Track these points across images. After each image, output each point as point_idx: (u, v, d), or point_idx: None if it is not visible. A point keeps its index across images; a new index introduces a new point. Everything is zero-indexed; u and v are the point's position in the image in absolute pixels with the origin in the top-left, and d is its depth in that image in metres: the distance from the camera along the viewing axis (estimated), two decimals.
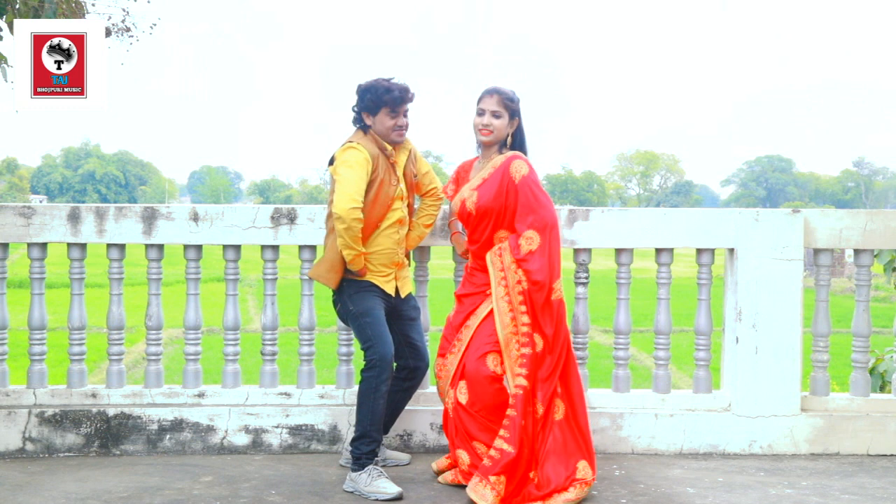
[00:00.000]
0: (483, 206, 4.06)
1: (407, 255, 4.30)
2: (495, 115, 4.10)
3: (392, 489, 3.89)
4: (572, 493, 3.83)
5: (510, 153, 4.11)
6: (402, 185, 4.17)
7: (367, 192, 4.01)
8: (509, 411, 3.88)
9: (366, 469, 3.96)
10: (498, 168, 4.08)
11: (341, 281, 4.08)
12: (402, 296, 4.24)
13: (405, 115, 4.12)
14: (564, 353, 4.00)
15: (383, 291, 4.12)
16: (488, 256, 4.08)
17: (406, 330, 4.25)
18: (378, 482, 3.92)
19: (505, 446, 3.82)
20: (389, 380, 4.04)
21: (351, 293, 4.09)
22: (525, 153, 4.17)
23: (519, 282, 3.96)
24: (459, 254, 4.41)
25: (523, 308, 3.95)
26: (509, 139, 4.15)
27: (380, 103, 4.06)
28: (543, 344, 3.94)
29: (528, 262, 3.94)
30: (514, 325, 3.95)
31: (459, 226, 4.37)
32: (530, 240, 3.97)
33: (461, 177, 4.29)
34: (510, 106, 4.11)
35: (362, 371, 4.05)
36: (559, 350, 3.97)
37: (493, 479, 3.77)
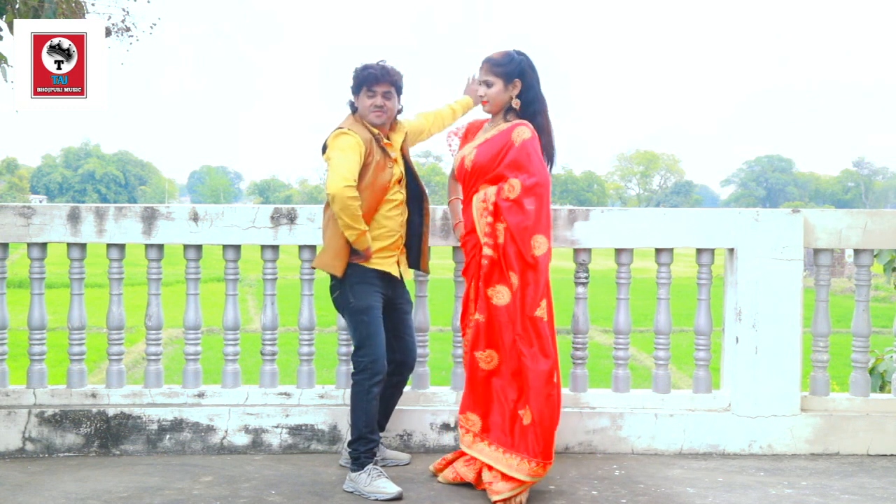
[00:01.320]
0: (478, 163, 4.06)
1: (415, 241, 4.26)
2: (486, 83, 4.09)
3: (392, 489, 3.89)
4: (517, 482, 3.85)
5: (516, 121, 4.08)
6: (401, 167, 4.17)
7: (363, 176, 4.00)
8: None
9: (365, 469, 3.96)
10: (502, 132, 4.07)
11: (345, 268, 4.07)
12: (405, 277, 4.23)
13: (385, 97, 4.08)
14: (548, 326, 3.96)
15: (385, 279, 4.10)
16: (474, 197, 4.07)
17: (397, 323, 4.23)
18: (378, 482, 3.92)
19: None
20: (382, 382, 4.03)
21: (353, 283, 4.05)
22: (537, 112, 4.09)
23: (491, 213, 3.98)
24: (457, 233, 4.33)
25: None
26: (514, 102, 4.08)
27: (360, 82, 4.08)
28: (511, 296, 3.91)
29: (505, 206, 3.94)
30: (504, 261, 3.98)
31: (459, 190, 4.32)
32: (512, 187, 3.95)
33: (469, 136, 4.27)
34: (500, 70, 4.05)
35: (353, 374, 4.04)
36: (531, 310, 3.91)
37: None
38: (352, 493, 3.95)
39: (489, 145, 4.07)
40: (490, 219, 3.97)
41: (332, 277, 4.12)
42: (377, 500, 3.88)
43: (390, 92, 4.08)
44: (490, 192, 4.01)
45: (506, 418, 3.94)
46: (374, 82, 4.06)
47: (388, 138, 4.15)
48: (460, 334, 4.37)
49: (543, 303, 3.93)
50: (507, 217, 3.93)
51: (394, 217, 4.11)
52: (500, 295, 3.95)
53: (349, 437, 4.12)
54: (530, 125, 4.05)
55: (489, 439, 3.96)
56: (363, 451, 3.99)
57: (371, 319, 4.03)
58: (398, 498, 3.88)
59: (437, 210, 4.61)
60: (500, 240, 3.96)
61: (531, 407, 3.86)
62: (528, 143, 3.99)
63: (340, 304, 4.15)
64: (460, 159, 4.17)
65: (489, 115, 4.20)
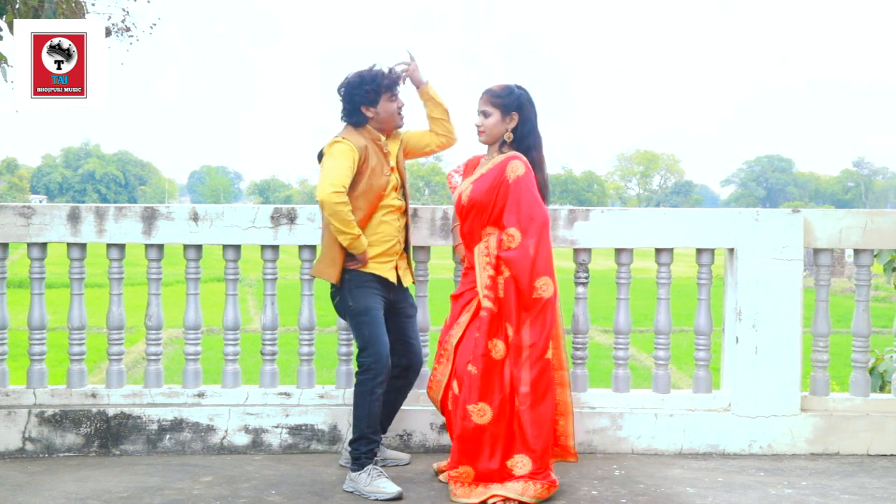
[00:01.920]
0: (473, 198, 4.06)
1: (406, 250, 4.28)
2: (484, 114, 4.09)
3: (392, 489, 3.89)
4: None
5: (510, 153, 4.09)
6: (396, 175, 4.17)
7: (357, 182, 4.01)
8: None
9: (365, 469, 3.96)
10: (496, 166, 4.07)
11: (342, 273, 4.07)
12: (404, 284, 4.23)
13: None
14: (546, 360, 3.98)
15: (384, 283, 4.11)
16: (476, 248, 4.07)
17: (402, 327, 4.24)
18: (378, 482, 3.92)
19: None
20: (385, 382, 4.03)
21: (351, 287, 4.07)
22: (531, 147, 4.09)
23: (493, 266, 3.98)
24: (458, 254, 4.40)
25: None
26: (509, 135, 4.10)
27: (380, 90, 4.08)
28: (505, 350, 3.94)
29: (507, 256, 3.94)
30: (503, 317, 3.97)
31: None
32: (511, 237, 3.96)
33: (467, 171, 4.27)
34: (498, 102, 4.06)
35: (357, 373, 4.04)
36: (538, 354, 3.93)
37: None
38: (352, 492, 3.95)
39: (483, 181, 4.07)
40: (492, 272, 3.97)
41: (332, 284, 4.13)
42: (377, 499, 3.88)
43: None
44: (492, 243, 4.01)
45: (496, 468, 3.92)
46: (397, 86, 4.12)
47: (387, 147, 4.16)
48: (438, 354, 4.23)
49: (550, 343, 3.96)
50: (510, 265, 3.93)
51: (390, 222, 4.11)
52: (498, 349, 3.95)
53: (350, 437, 4.12)
54: (524, 158, 4.04)
55: (483, 483, 3.92)
56: (364, 451, 3.99)
57: (371, 320, 4.03)
58: (398, 498, 3.88)
59: (437, 210, 4.62)
60: (501, 293, 3.96)
61: (531, 450, 3.90)
62: (521, 181, 3.98)
63: (341, 309, 4.16)
64: (458, 195, 4.17)
65: (485, 149, 4.20)
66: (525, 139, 4.10)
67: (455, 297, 4.20)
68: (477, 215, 4.08)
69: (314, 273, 4.19)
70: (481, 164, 4.20)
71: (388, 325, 4.13)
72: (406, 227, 4.26)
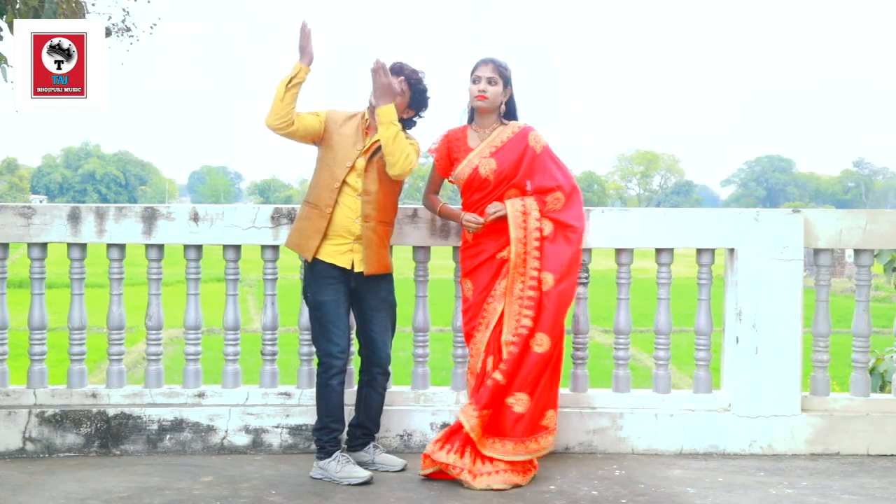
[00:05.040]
0: (503, 171, 4.21)
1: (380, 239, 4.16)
2: (490, 81, 4.23)
3: (363, 473, 4.05)
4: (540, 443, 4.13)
5: (522, 124, 4.30)
6: (363, 160, 4.10)
7: (327, 150, 4.13)
8: (511, 348, 4.10)
9: (333, 456, 4.07)
10: (515, 137, 4.25)
11: (308, 265, 4.15)
12: (365, 273, 4.10)
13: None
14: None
15: (343, 272, 4.10)
16: (508, 203, 4.20)
17: (365, 320, 4.23)
18: (348, 467, 4.05)
19: (499, 377, 4.09)
20: (342, 373, 4.12)
21: (311, 278, 4.17)
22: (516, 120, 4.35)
23: (538, 229, 4.18)
24: (467, 224, 4.26)
25: (536, 253, 4.16)
26: (503, 107, 4.29)
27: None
28: (555, 282, 4.14)
29: (559, 213, 4.24)
30: (523, 266, 4.14)
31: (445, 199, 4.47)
32: (557, 199, 4.26)
33: (453, 145, 4.34)
34: (504, 74, 4.26)
35: (317, 366, 4.22)
36: (566, 298, 4.22)
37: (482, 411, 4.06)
38: (320, 479, 4.07)
39: (507, 152, 4.23)
40: (521, 232, 4.17)
41: (304, 267, 4.22)
42: (350, 483, 3.99)
43: (401, 79, 4.20)
44: (530, 204, 4.22)
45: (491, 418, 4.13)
46: (398, 72, 4.17)
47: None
48: (462, 334, 4.44)
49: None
50: (565, 222, 4.23)
51: (348, 204, 4.13)
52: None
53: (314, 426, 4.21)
54: (535, 128, 4.30)
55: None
56: (327, 439, 4.10)
57: (322, 315, 4.11)
58: (369, 482, 4.01)
59: None
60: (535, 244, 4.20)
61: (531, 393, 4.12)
62: (549, 148, 4.29)
63: (304, 294, 4.27)
64: (471, 170, 4.23)
65: (463, 121, 4.37)
66: (514, 112, 4.34)
67: (472, 274, 4.26)
68: (504, 186, 4.22)
69: (289, 244, 4.27)
70: (474, 136, 4.30)
71: (354, 314, 4.24)
72: (370, 212, 4.12)
